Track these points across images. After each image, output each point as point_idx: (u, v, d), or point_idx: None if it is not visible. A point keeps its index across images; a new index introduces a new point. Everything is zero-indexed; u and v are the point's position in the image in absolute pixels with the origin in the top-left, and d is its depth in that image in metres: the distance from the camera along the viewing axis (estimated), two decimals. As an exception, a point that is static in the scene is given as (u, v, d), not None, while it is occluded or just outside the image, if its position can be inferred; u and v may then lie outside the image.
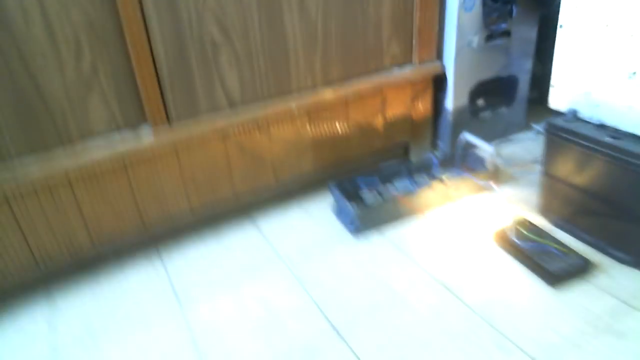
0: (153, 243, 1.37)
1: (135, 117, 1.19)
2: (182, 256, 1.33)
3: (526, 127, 1.84)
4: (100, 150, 1.16)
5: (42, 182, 1.12)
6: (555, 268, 1.12)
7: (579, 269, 1.13)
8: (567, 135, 1.20)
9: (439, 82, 1.61)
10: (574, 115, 1.21)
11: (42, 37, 1.03)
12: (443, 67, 1.57)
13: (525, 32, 1.66)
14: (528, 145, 1.74)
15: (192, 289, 1.21)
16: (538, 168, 1.49)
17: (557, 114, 1.26)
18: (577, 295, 1.08)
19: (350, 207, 1.31)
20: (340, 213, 1.41)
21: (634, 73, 1.08)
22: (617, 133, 1.14)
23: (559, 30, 1.21)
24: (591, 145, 1.15)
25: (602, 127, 1.17)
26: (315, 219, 1.43)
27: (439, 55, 1.57)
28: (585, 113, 1.21)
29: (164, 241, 1.38)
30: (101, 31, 1.09)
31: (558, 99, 1.26)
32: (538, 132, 1.82)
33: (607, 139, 1.12)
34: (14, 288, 1.22)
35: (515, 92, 1.75)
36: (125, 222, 1.27)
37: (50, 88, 1.08)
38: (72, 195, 1.17)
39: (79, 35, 1.07)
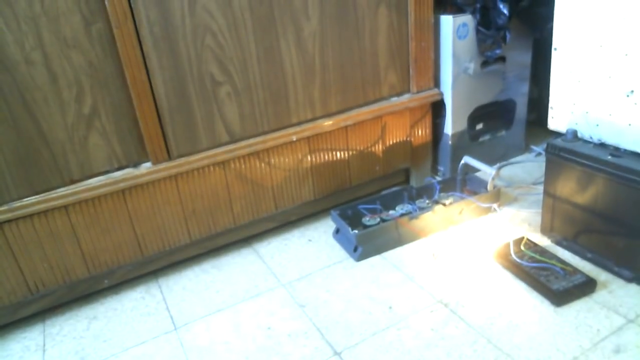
0: (152, 272, 1.31)
1: (137, 154, 1.15)
2: (181, 284, 1.27)
3: (525, 149, 1.78)
4: (99, 180, 1.12)
5: (38, 208, 1.07)
6: (558, 287, 1.05)
7: (583, 288, 1.06)
8: (568, 155, 1.14)
9: (437, 108, 1.56)
10: (573, 135, 1.15)
11: (44, 80, 1.01)
12: (441, 94, 1.53)
13: (520, 57, 1.62)
14: (528, 167, 1.68)
15: (190, 315, 1.15)
16: (539, 189, 1.43)
17: (557, 135, 1.20)
18: (581, 314, 1.01)
19: (352, 233, 1.25)
20: (342, 240, 1.35)
21: (632, 91, 1.02)
22: (617, 151, 1.08)
23: (553, 53, 1.16)
24: (592, 165, 1.09)
25: (602, 145, 1.11)
26: (316, 246, 1.36)
27: (436, 82, 1.53)
28: (585, 133, 1.15)
29: (163, 270, 1.32)
30: (102, 73, 1.06)
31: (557, 120, 1.21)
32: (538, 154, 1.76)
33: (608, 158, 1.06)
34: (6, 314, 1.15)
35: (513, 115, 1.70)
36: (124, 251, 1.21)
37: (52, 130, 1.05)
38: (69, 223, 1.12)
39: (80, 78, 1.04)
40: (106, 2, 1.01)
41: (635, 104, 1.02)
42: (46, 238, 1.11)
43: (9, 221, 1.06)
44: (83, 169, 1.10)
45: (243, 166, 1.29)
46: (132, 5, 1.03)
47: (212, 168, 1.24)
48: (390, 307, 1.09)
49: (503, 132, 1.70)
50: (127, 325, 1.15)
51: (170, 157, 1.18)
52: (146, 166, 1.16)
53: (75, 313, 1.21)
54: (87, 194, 1.10)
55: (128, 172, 1.15)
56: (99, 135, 1.10)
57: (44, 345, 1.12)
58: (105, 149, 1.11)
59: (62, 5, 0.98)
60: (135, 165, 1.16)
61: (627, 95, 1.03)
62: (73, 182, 1.10)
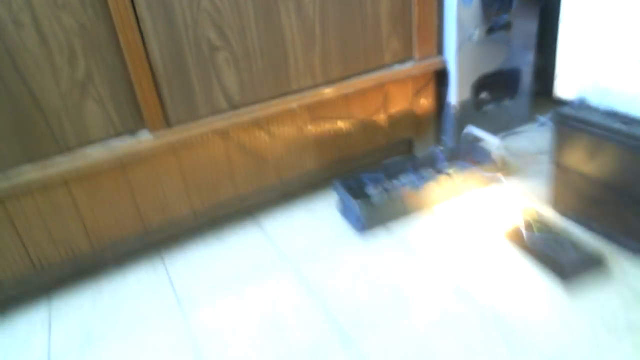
0: (155, 246, 1.28)
1: (134, 122, 1.11)
2: (185, 259, 1.24)
3: (530, 119, 1.72)
4: (97, 152, 1.08)
5: (39, 183, 1.03)
6: (567, 261, 1.02)
7: (592, 262, 1.03)
8: (576, 123, 1.09)
9: (441, 77, 1.51)
10: (582, 103, 1.10)
11: (34, 44, 0.95)
12: (444, 62, 1.47)
13: (526, 24, 1.55)
14: (533, 137, 1.63)
15: (194, 292, 1.12)
16: (545, 159, 1.39)
17: (562, 105, 1.15)
18: (591, 290, 0.98)
19: (355, 204, 1.22)
20: (345, 211, 1.31)
21: (646, 55, 0.97)
22: (628, 119, 1.03)
23: (562, 19, 1.10)
24: (602, 133, 1.04)
25: (612, 113, 1.06)
26: (320, 218, 1.33)
27: (440, 50, 1.47)
28: (593, 100, 1.10)
29: (166, 244, 1.29)
30: (94, 36, 1.01)
31: (564, 87, 1.16)
32: (542, 124, 1.71)
33: (618, 126, 1.01)
34: (11, 292, 1.14)
35: (518, 84, 1.64)
36: (126, 225, 1.18)
37: (46, 96, 1.00)
38: (70, 198, 1.09)
39: (72, 41, 0.99)
40: (97, -39, 0.95)
41: (648, 68, 0.98)
42: (48, 212, 1.08)
43: (9, 197, 1.03)
44: (79, 137, 1.06)
45: (243, 136, 1.24)
46: (125, -36, 0.98)
47: (211, 137, 1.20)
48: (396, 284, 1.07)
49: (507, 102, 1.65)
50: (132, 302, 1.12)
51: (168, 125, 1.14)
52: (144, 135, 1.12)
53: (79, 289, 1.18)
54: (86, 166, 1.07)
55: (127, 142, 1.10)
56: (94, 101, 1.05)
57: (50, 320, 1.09)
58: (101, 115, 1.07)
59: (50, -37, 0.93)
60: (133, 132, 1.11)
61: (640, 60, 0.99)
62: (69, 149, 1.06)
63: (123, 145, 1.10)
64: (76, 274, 1.20)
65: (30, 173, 1.02)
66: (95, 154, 1.07)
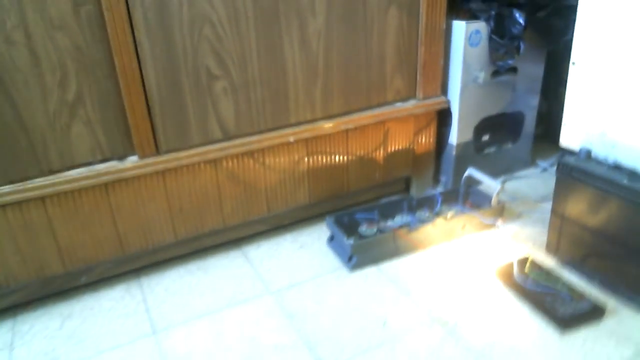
0: (133, 271, 1.23)
1: (123, 148, 1.07)
2: (163, 285, 1.19)
3: (532, 163, 1.70)
4: (79, 172, 1.04)
5: (12, 198, 0.99)
6: (564, 313, 0.97)
7: (590, 315, 0.98)
8: (580, 175, 1.06)
9: (443, 117, 1.48)
10: (587, 155, 1.07)
11: (25, 62, 0.92)
12: (448, 102, 1.44)
13: (532, 69, 1.53)
14: (533, 182, 1.59)
15: (170, 319, 1.07)
16: (545, 206, 1.35)
17: (564, 151, 1.12)
18: (588, 343, 0.93)
19: (347, 242, 1.17)
20: (336, 248, 1.27)
21: (654, 110, 0.94)
22: (635, 175, 0.99)
23: (571, 67, 1.08)
24: (607, 187, 1.01)
25: (618, 167, 1.03)
26: (309, 253, 1.28)
27: (444, 90, 1.44)
28: (599, 153, 1.07)
29: (146, 270, 1.24)
30: (89, 58, 0.98)
31: (570, 137, 1.12)
32: (544, 170, 1.68)
33: (625, 182, 0.98)
34: None
35: (521, 128, 1.61)
36: (104, 248, 1.13)
37: (32, 116, 0.96)
38: (46, 217, 1.04)
39: (65, 62, 0.96)
40: (97, -18, 0.93)
41: (657, 124, 0.95)
42: (19, 230, 1.03)
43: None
44: (64, 160, 1.02)
45: (236, 165, 1.21)
46: (125, -13, 0.96)
47: (202, 165, 1.16)
48: (384, 323, 1.01)
49: (509, 145, 1.62)
50: (104, 326, 1.06)
51: (158, 152, 1.10)
52: (132, 160, 1.08)
53: (48, 310, 1.13)
54: (67, 186, 1.02)
55: (112, 165, 1.06)
56: (82, 124, 1.01)
57: (12, 343, 1.03)
58: (88, 139, 1.03)
59: (48, -18, 0.91)
60: (121, 158, 1.07)
61: (648, 115, 0.96)
62: (52, 172, 1.02)
63: (108, 167, 1.06)
64: (46, 295, 1.14)
65: (6, 191, 0.98)
66: (78, 174, 1.03)
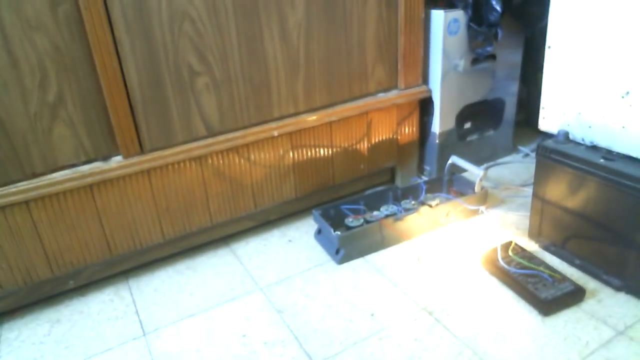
0: (122, 273, 1.23)
1: (107, 148, 1.07)
2: (152, 286, 1.19)
3: (513, 149, 1.74)
4: (64, 174, 1.03)
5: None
6: (547, 296, 1.00)
7: (571, 297, 1.02)
8: (559, 157, 1.09)
9: (425, 106, 1.51)
10: (565, 137, 1.11)
11: (3, 64, 0.92)
12: (429, 91, 1.47)
13: (511, 55, 1.57)
14: (516, 168, 1.64)
15: (160, 319, 1.08)
16: (527, 191, 1.39)
17: (545, 137, 1.16)
18: (570, 325, 0.97)
19: (334, 235, 1.19)
20: (323, 241, 1.29)
21: (627, 92, 0.98)
22: (610, 154, 1.04)
23: (547, 51, 1.11)
24: (584, 167, 1.05)
25: (594, 148, 1.07)
26: (297, 247, 1.30)
27: (425, 79, 1.47)
28: (577, 134, 1.10)
29: (134, 271, 1.24)
30: (69, 58, 0.97)
31: (548, 120, 1.16)
32: (525, 155, 1.72)
33: (601, 161, 1.02)
34: None
35: (502, 115, 1.65)
36: (91, 251, 1.13)
37: (13, 119, 0.96)
38: (31, 221, 1.03)
39: (44, 63, 0.95)
40: (74, -19, 0.93)
41: (631, 105, 0.98)
42: (4, 235, 1.02)
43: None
44: (47, 162, 1.02)
45: (221, 162, 1.21)
46: (103, -14, 0.95)
47: (188, 163, 1.17)
48: (372, 315, 1.03)
49: (491, 132, 1.66)
50: (93, 330, 1.06)
51: (142, 151, 1.10)
52: (116, 160, 1.08)
53: (36, 316, 1.12)
54: (51, 189, 1.02)
55: (96, 165, 1.06)
56: (64, 125, 1.01)
57: None
58: (71, 140, 1.03)
59: (24, -18, 0.90)
60: (105, 158, 1.07)
61: (622, 97, 0.99)
62: (35, 175, 1.01)
63: (92, 168, 1.05)
64: (33, 301, 1.13)
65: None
66: (61, 176, 1.03)
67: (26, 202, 1.02)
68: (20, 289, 1.09)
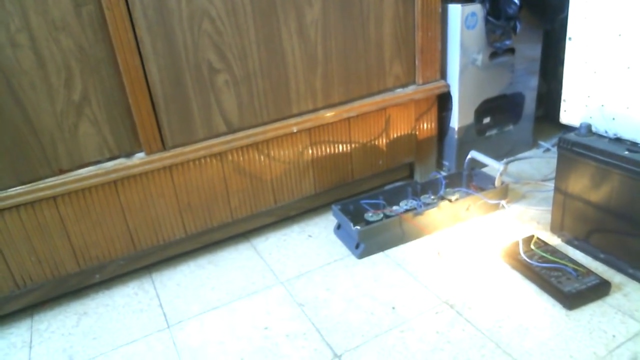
0: (145, 267, 1.26)
1: (130, 145, 1.09)
2: (175, 280, 1.22)
3: (533, 144, 1.72)
4: (89, 171, 1.06)
5: (25, 201, 1.01)
6: (570, 289, 0.99)
7: (596, 290, 1.01)
8: (582, 150, 1.08)
9: (443, 101, 1.50)
10: (587, 130, 1.09)
11: (31, 64, 0.95)
12: (447, 86, 1.47)
13: (530, 49, 1.55)
14: (536, 163, 1.62)
15: (184, 312, 1.10)
16: (548, 186, 1.38)
17: (566, 130, 1.15)
18: (595, 318, 0.96)
19: (354, 230, 1.20)
20: (343, 236, 1.30)
21: (652, 82, 0.96)
22: (635, 146, 1.02)
23: (568, 43, 1.10)
24: (608, 160, 1.03)
25: (618, 140, 1.06)
26: (317, 242, 1.31)
27: (443, 74, 1.47)
28: (599, 127, 1.09)
29: (157, 266, 1.27)
30: (93, 58, 1.00)
31: (570, 113, 1.15)
32: (546, 150, 1.70)
33: (625, 153, 1.00)
34: None
35: (521, 109, 1.64)
36: (116, 246, 1.16)
37: (40, 117, 0.99)
38: (58, 216, 1.07)
39: (69, 63, 0.98)
40: (97, -18, 0.95)
41: (655, 96, 0.97)
42: (34, 230, 1.06)
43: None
44: (73, 159, 1.05)
45: (241, 158, 1.23)
46: (125, -14, 0.98)
47: (208, 159, 1.19)
48: (393, 308, 1.04)
49: (510, 127, 1.64)
50: (118, 322, 1.09)
51: (164, 148, 1.13)
52: (139, 156, 1.11)
53: (64, 309, 1.16)
54: (77, 185, 1.05)
55: (120, 162, 1.09)
56: (89, 123, 1.04)
57: (31, 341, 1.07)
58: (96, 138, 1.06)
59: (50, -16, 0.93)
60: (128, 155, 1.10)
61: (647, 87, 0.98)
62: (62, 172, 1.04)
63: (116, 164, 1.08)
64: (61, 294, 1.17)
65: (18, 192, 1.00)
66: (87, 172, 1.06)
67: (54, 198, 1.05)
68: (49, 282, 1.13)
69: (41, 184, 1.02)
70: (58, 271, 1.12)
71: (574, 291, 0.99)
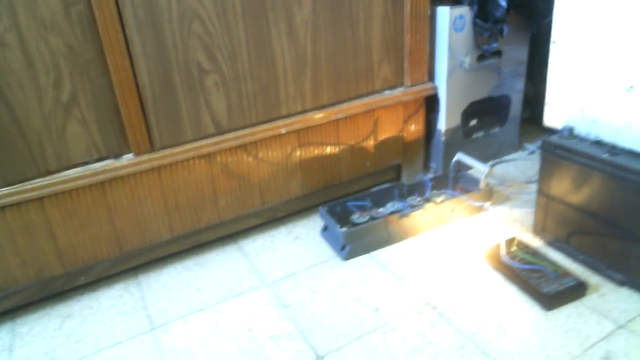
0: (131, 269, 1.28)
1: (118, 146, 1.12)
2: (161, 282, 1.24)
3: (519, 147, 1.78)
4: (76, 171, 1.09)
5: (10, 200, 1.03)
6: (548, 290, 1.05)
7: (574, 291, 1.06)
8: (564, 152, 1.13)
9: (431, 103, 1.55)
10: (570, 132, 1.15)
11: (19, 64, 0.97)
12: (435, 88, 1.51)
13: (516, 52, 1.61)
14: (521, 165, 1.68)
15: (169, 314, 1.13)
16: (532, 188, 1.43)
17: (550, 134, 1.20)
18: (571, 319, 1.01)
19: (340, 231, 1.24)
20: (330, 237, 1.33)
21: (632, 87, 1.02)
22: (615, 149, 1.08)
23: (552, 47, 1.16)
24: (588, 162, 1.09)
25: (599, 143, 1.11)
26: (304, 244, 1.34)
27: (431, 76, 1.51)
28: (581, 130, 1.14)
29: (143, 267, 1.29)
30: (82, 58, 1.02)
31: (553, 116, 1.20)
32: (531, 152, 1.76)
33: (605, 156, 1.06)
34: None
35: (507, 112, 1.69)
36: (102, 247, 1.18)
37: (28, 118, 1.01)
38: (44, 217, 1.09)
39: (58, 63, 1.00)
40: (87, -17, 0.97)
41: (635, 100, 1.02)
42: (19, 232, 1.07)
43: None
44: (60, 160, 1.07)
45: (229, 159, 1.26)
46: (115, -13, 1.00)
47: (197, 161, 1.22)
48: (376, 309, 1.08)
49: (497, 129, 1.70)
50: (103, 324, 1.12)
51: (153, 149, 1.15)
52: (128, 157, 1.13)
53: (47, 311, 1.17)
54: (64, 186, 1.07)
55: (108, 163, 1.11)
56: (78, 124, 1.06)
57: (12, 345, 1.08)
58: (84, 138, 1.08)
59: (39, -16, 0.95)
60: (116, 156, 1.12)
61: (627, 91, 1.03)
62: (49, 173, 1.06)
63: (104, 165, 1.10)
64: (45, 296, 1.19)
65: (4, 193, 1.02)
66: (74, 173, 1.08)
67: (40, 199, 1.07)
68: (33, 285, 1.14)
69: (28, 184, 1.04)
70: (43, 273, 1.13)
71: (552, 292, 1.04)
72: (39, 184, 1.05)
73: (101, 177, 1.10)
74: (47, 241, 1.11)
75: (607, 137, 1.10)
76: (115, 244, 1.19)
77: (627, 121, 1.04)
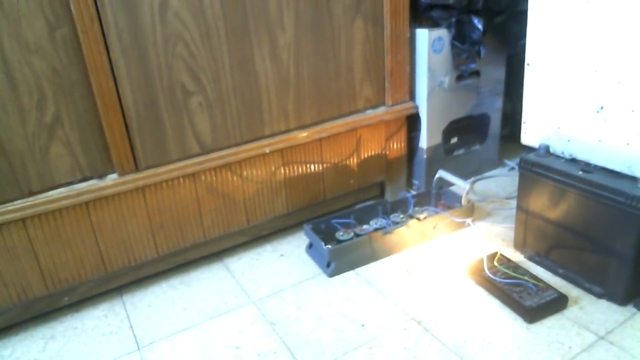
0: (116, 289, 1.27)
1: (102, 165, 1.12)
2: (146, 301, 1.24)
3: (499, 163, 1.82)
4: (60, 191, 1.09)
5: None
6: (530, 304, 1.07)
7: (555, 304, 1.08)
8: (540, 170, 1.17)
9: (412, 122, 1.58)
10: (546, 151, 1.18)
11: (2, 86, 0.97)
12: (416, 108, 1.55)
13: (494, 72, 1.66)
14: (502, 181, 1.71)
15: (154, 334, 1.12)
16: (512, 204, 1.46)
17: (530, 150, 1.23)
18: (553, 331, 1.03)
19: (325, 248, 1.25)
20: (315, 255, 1.34)
21: (602, 108, 1.06)
22: (588, 167, 1.11)
23: (526, 68, 1.20)
24: (564, 180, 1.12)
25: (573, 161, 1.15)
26: (289, 261, 1.35)
27: (412, 95, 1.55)
28: (557, 148, 1.18)
29: (128, 287, 1.28)
30: (66, 80, 1.03)
31: (530, 135, 1.24)
32: (511, 169, 1.80)
33: (579, 173, 1.10)
34: None
35: (487, 129, 1.73)
36: (86, 267, 1.17)
37: (10, 139, 1.01)
38: (27, 238, 1.08)
39: (42, 85, 1.01)
40: (72, 6, 0.99)
41: (605, 120, 1.06)
42: (1, 253, 1.06)
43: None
44: (44, 180, 1.07)
45: (214, 178, 1.27)
46: (100, 10, 1.02)
47: (181, 180, 1.23)
48: (362, 325, 1.09)
49: (477, 147, 1.74)
50: (87, 345, 1.11)
51: (137, 169, 1.16)
52: (112, 178, 1.14)
53: (30, 333, 1.16)
54: (47, 207, 1.07)
55: (92, 183, 1.12)
56: (61, 145, 1.07)
57: (-5, 370, 1.07)
58: (68, 159, 1.08)
59: (23, 8, 0.96)
60: (101, 176, 1.13)
61: (597, 112, 1.07)
62: (32, 194, 1.06)
63: (88, 185, 1.11)
64: (28, 318, 1.17)
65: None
66: (58, 194, 1.08)
67: (22, 220, 1.06)
68: (15, 306, 1.13)
69: (10, 206, 1.04)
70: (25, 294, 1.12)
71: (534, 305, 1.07)
72: (22, 204, 1.05)
73: (85, 197, 1.10)
74: (29, 262, 1.10)
75: (581, 155, 1.13)
76: (99, 264, 1.19)
77: (598, 139, 1.08)
